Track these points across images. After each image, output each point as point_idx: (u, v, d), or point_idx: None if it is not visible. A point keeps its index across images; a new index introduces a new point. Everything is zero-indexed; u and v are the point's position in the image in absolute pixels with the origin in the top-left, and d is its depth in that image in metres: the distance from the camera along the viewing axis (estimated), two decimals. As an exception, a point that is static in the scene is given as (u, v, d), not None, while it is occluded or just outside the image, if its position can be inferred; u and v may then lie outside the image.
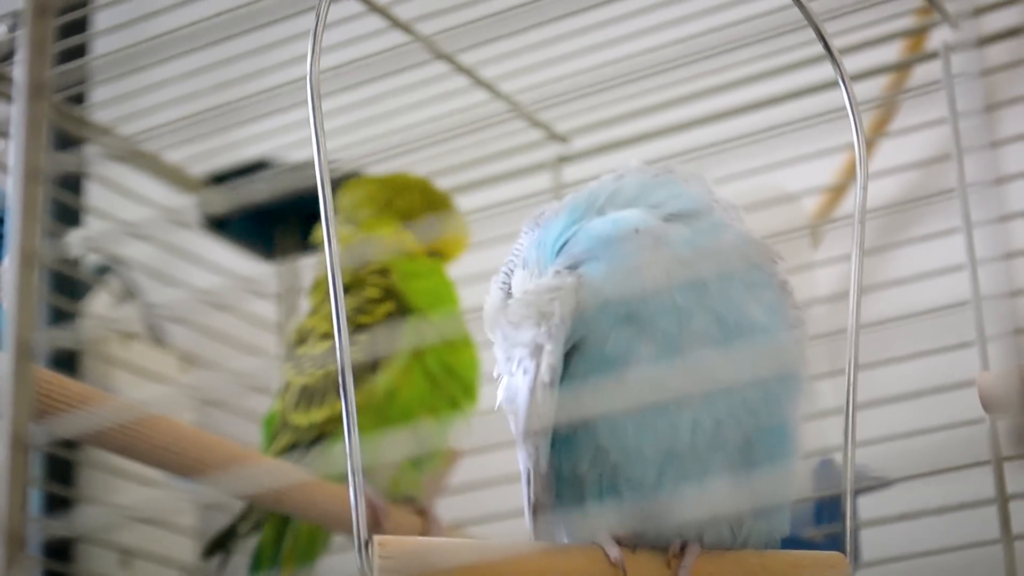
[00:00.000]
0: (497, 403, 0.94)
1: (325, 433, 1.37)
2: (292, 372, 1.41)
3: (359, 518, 0.81)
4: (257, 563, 1.43)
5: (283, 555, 1.41)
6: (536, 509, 0.93)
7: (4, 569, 0.70)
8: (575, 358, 0.90)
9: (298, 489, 1.25)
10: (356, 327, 1.35)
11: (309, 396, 1.38)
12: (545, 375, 0.89)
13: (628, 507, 0.89)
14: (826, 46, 0.99)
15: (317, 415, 1.37)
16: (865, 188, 0.98)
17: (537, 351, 0.90)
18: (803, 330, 0.94)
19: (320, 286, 1.46)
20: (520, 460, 0.93)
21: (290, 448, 1.39)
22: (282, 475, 1.25)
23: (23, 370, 0.72)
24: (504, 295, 1.00)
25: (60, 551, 1.54)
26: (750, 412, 0.89)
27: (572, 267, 0.93)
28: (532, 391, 0.89)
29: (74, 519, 1.48)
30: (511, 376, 0.92)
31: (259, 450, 1.41)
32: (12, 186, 0.74)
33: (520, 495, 0.96)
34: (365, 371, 1.35)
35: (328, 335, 1.38)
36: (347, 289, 1.39)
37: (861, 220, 0.97)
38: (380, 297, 1.38)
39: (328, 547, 1.45)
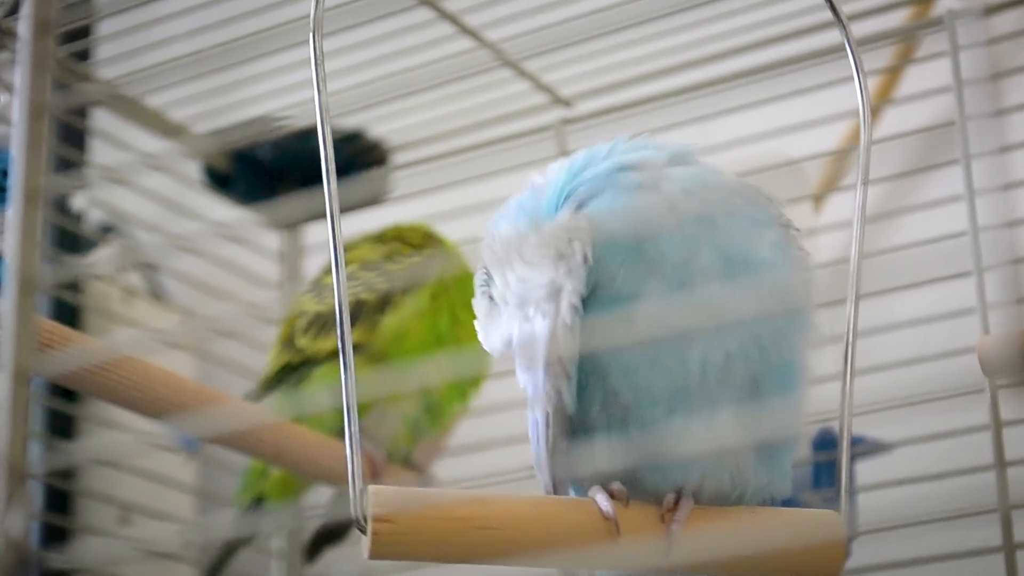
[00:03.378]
0: (500, 349, 0.94)
1: (320, 362, 1.39)
2: (310, 300, 1.44)
3: (355, 466, 0.81)
4: (246, 489, 1.45)
5: (269, 487, 1.42)
6: (553, 457, 0.91)
7: (5, 501, 0.71)
8: (587, 300, 0.89)
9: (277, 435, 1.26)
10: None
11: (322, 323, 1.40)
12: (567, 316, 0.87)
13: (634, 452, 0.88)
14: (833, 10, 0.99)
15: (326, 343, 1.39)
16: (868, 149, 0.98)
17: (556, 293, 0.88)
18: (809, 270, 0.93)
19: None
20: (532, 411, 0.92)
21: (284, 368, 1.41)
22: (256, 417, 1.25)
23: (25, 305, 0.72)
24: (487, 299, 0.98)
25: (60, 505, 1.55)
26: (760, 348, 0.89)
27: (577, 209, 0.92)
28: (553, 333, 0.88)
29: (73, 454, 1.49)
30: (527, 321, 0.90)
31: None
32: (17, 123, 0.74)
33: (513, 456, 0.95)
34: (377, 310, 1.37)
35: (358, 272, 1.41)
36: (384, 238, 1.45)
37: (864, 181, 0.97)
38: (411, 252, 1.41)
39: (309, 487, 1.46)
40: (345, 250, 1.42)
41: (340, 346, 0.82)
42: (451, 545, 0.83)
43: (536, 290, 0.90)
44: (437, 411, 1.41)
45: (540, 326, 0.89)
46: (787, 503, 0.95)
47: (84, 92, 1.50)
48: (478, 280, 0.96)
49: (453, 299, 1.39)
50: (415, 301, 1.39)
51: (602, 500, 0.87)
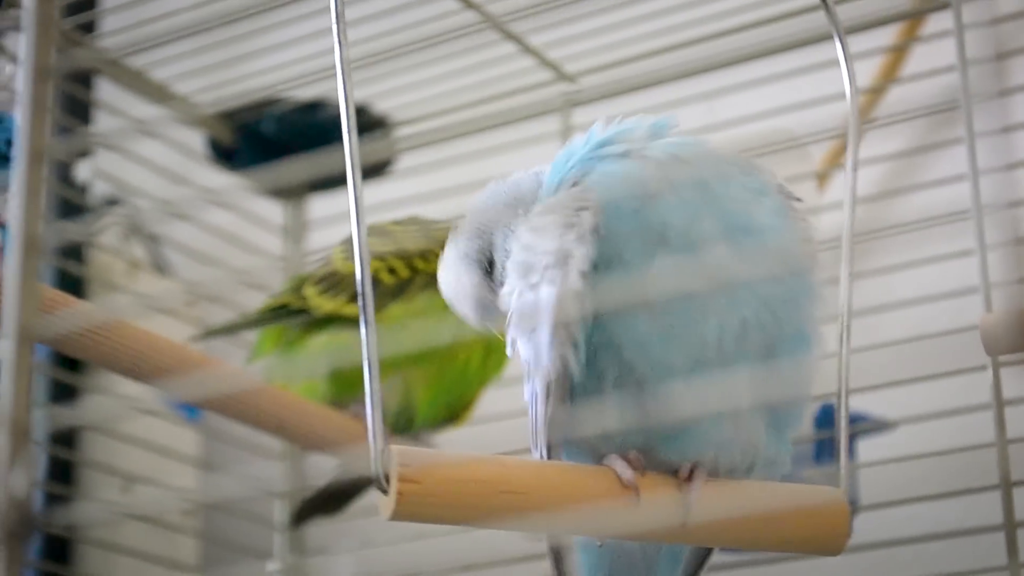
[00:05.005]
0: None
1: (317, 321, 1.38)
2: (340, 255, 1.42)
3: (375, 422, 0.78)
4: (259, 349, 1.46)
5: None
6: (549, 427, 0.91)
7: (9, 459, 0.71)
8: (597, 275, 0.88)
9: (276, 404, 1.25)
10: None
11: (335, 281, 1.39)
12: (576, 282, 0.87)
13: (650, 423, 0.88)
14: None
15: (328, 303, 1.38)
16: (857, 143, 0.99)
17: (564, 260, 0.87)
18: (812, 236, 0.94)
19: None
20: (530, 381, 0.92)
21: (279, 308, 1.41)
22: (245, 382, 1.24)
23: (29, 267, 0.73)
24: (482, 271, 0.99)
25: (63, 475, 1.55)
26: (773, 314, 0.89)
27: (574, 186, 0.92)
28: (560, 299, 0.87)
29: (79, 409, 1.49)
30: (530, 289, 0.89)
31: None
32: (21, 86, 0.75)
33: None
34: (389, 294, 1.36)
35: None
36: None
37: (854, 167, 0.99)
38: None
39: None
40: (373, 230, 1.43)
41: (360, 295, 0.79)
42: (475, 508, 0.82)
43: (542, 257, 0.89)
44: (455, 391, 1.40)
45: (546, 293, 0.88)
46: (786, 478, 0.95)
47: (87, 56, 1.50)
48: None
49: None
50: (429, 302, 1.36)
51: (621, 467, 0.88)
